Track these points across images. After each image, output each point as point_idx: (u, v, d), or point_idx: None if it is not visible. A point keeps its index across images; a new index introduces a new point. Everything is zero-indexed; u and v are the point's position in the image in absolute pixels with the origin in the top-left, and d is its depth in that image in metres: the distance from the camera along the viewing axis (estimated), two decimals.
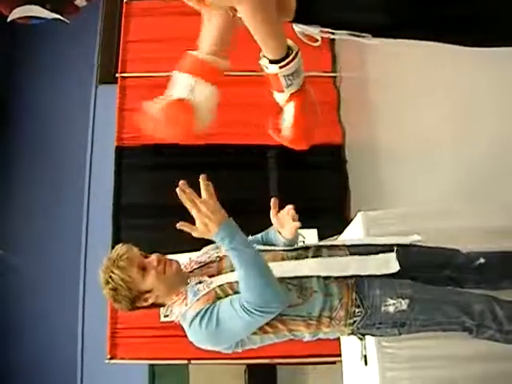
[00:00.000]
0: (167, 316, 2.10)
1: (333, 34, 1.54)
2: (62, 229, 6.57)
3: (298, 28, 1.58)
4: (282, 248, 2.17)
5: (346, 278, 2.04)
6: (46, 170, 6.70)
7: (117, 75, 6.16)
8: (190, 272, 2.14)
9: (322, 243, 2.27)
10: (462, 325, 2.03)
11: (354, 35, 1.50)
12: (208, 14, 1.59)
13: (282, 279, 1.97)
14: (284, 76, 1.48)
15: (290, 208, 2.16)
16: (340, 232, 3.16)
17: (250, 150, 5.92)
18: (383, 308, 2.01)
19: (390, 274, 2.08)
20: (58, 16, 1.52)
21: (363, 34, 1.49)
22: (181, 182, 1.79)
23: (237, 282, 1.94)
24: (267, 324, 1.96)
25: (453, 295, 2.09)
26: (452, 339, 2.30)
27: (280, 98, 1.57)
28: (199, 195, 1.81)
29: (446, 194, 3.62)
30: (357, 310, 2.01)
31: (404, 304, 2.00)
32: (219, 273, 2.07)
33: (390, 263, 2.10)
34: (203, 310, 1.93)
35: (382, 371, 2.40)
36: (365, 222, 2.66)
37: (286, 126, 1.63)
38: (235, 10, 1.44)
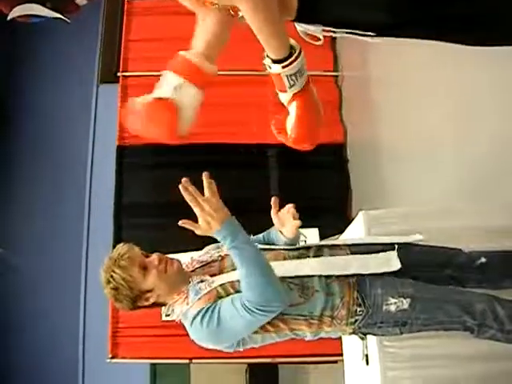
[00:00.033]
0: (168, 315, 2.10)
1: (334, 32, 1.54)
2: (63, 228, 6.57)
3: (299, 27, 1.57)
4: (283, 247, 2.17)
5: (347, 276, 2.04)
6: (47, 169, 6.70)
7: (118, 74, 6.16)
8: (192, 271, 2.14)
9: (323, 243, 2.27)
10: (463, 324, 2.03)
11: (356, 34, 1.50)
12: (203, 14, 1.59)
13: (283, 278, 1.97)
14: (287, 76, 1.48)
15: (290, 206, 2.16)
16: (341, 231, 3.16)
17: (250, 149, 5.92)
18: (385, 307, 2.01)
19: (391, 273, 2.08)
20: (58, 15, 1.51)
21: (365, 33, 1.49)
22: (183, 180, 1.79)
23: (238, 281, 1.94)
24: (269, 323, 1.96)
25: (454, 294, 2.08)
26: (453, 339, 2.30)
27: (283, 97, 1.57)
28: (202, 193, 1.81)
29: (447, 193, 3.62)
30: (358, 309, 2.01)
31: (405, 303, 2.00)
32: (221, 272, 2.07)
33: (391, 261, 2.10)
34: (204, 309, 1.93)
35: (383, 370, 2.40)
36: (366, 222, 2.66)
37: (289, 126, 1.62)
38: (238, 10, 1.44)
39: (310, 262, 2.07)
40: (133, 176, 5.97)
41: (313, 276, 2.03)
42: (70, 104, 6.70)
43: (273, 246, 2.19)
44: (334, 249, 2.16)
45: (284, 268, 2.02)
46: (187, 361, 5.39)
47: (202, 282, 2.03)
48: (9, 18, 1.48)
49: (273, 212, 2.17)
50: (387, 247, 2.15)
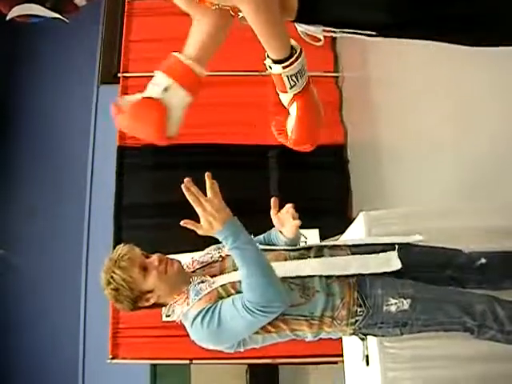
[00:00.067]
0: (169, 316, 2.10)
1: (335, 32, 1.54)
2: (64, 229, 6.57)
3: (300, 28, 1.57)
4: (284, 248, 2.17)
5: (347, 277, 2.04)
6: (47, 169, 6.71)
7: (119, 75, 6.16)
8: (193, 272, 2.14)
9: (323, 243, 2.27)
10: (463, 325, 2.03)
11: (357, 33, 1.50)
12: (198, 16, 1.59)
13: (284, 279, 1.97)
14: (287, 76, 1.48)
15: (289, 206, 2.16)
16: (342, 232, 3.16)
17: (251, 150, 5.92)
18: (385, 307, 2.01)
19: (391, 274, 2.08)
20: (57, 15, 1.51)
21: (366, 32, 1.49)
22: (186, 180, 1.79)
23: (239, 282, 1.94)
24: (270, 324, 1.96)
25: (454, 295, 2.08)
26: (454, 339, 2.29)
27: (284, 98, 1.57)
28: (204, 193, 1.81)
29: (447, 194, 3.62)
30: (359, 310, 2.01)
31: (406, 304, 2.00)
32: (221, 272, 2.07)
33: (391, 261, 2.10)
34: (205, 309, 1.94)
35: (383, 371, 2.40)
36: (367, 222, 2.66)
37: (289, 127, 1.63)
38: (238, 10, 1.44)
39: (310, 262, 2.07)
40: (133, 177, 5.97)
41: (313, 276, 2.03)
42: (70, 104, 6.70)
43: (273, 247, 2.19)
44: (335, 249, 2.16)
45: (285, 268, 2.02)
46: (187, 361, 5.39)
47: (202, 282, 2.03)
48: (8, 17, 1.48)
49: (272, 212, 2.17)
50: (387, 247, 2.16)
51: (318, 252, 2.13)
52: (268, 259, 1.95)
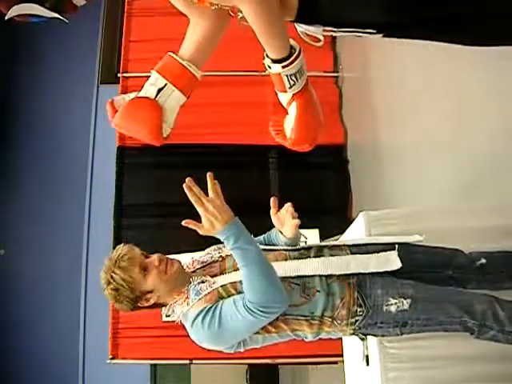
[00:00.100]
0: (169, 316, 2.10)
1: (335, 32, 1.54)
2: (64, 229, 6.58)
3: (299, 28, 1.57)
4: (284, 248, 2.17)
5: (348, 277, 2.04)
6: (47, 170, 6.71)
7: (118, 75, 6.16)
8: (193, 272, 2.14)
9: (323, 243, 2.27)
10: (463, 325, 2.03)
11: (357, 33, 1.50)
12: (195, 17, 1.59)
13: (284, 278, 1.97)
14: (287, 76, 1.48)
15: (288, 205, 2.16)
16: (342, 232, 3.16)
17: (251, 150, 5.92)
18: (385, 307, 2.01)
19: (391, 274, 2.08)
20: (56, 15, 1.52)
21: (366, 31, 1.49)
22: (188, 179, 1.79)
23: (240, 282, 1.94)
24: (270, 324, 1.96)
25: (454, 295, 2.08)
26: (454, 339, 2.29)
27: (283, 98, 1.57)
28: (205, 193, 1.81)
29: (447, 194, 3.62)
30: (358, 310, 2.01)
31: (406, 304, 2.00)
32: (222, 273, 2.07)
33: (391, 261, 2.10)
34: (205, 309, 1.93)
35: (383, 371, 2.40)
36: (366, 222, 2.66)
37: (287, 127, 1.62)
38: (237, 11, 1.44)
39: (310, 262, 2.07)
40: (133, 177, 5.97)
41: (314, 276, 2.03)
42: (70, 105, 6.72)
43: (273, 247, 2.19)
44: (335, 249, 2.16)
45: (285, 268, 2.02)
46: (187, 361, 5.39)
47: (202, 282, 2.03)
48: (7, 17, 1.49)
49: (272, 212, 2.17)
50: (387, 247, 2.15)
51: (318, 252, 2.13)
52: (268, 259, 1.95)
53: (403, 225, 2.57)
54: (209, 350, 2.07)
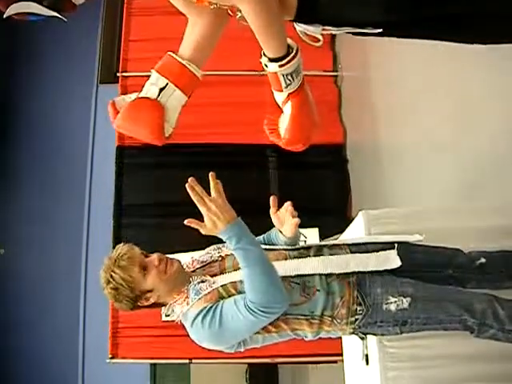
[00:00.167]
0: (169, 315, 2.10)
1: (334, 30, 1.54)
2: (64, 228, 6.58)
3: (299, 27, 1.57)
4: (284, 247, 2.17)
5: (347, 276, 2.04)
6: (46, 169, 6.71)
7: (118, 74, 6.16)
8: (192, 271, 2.14)
9: (323, 243, 2.27)
10: (463, 323, 2.03)
11: (356, 32, 1.50)
12: (194, 16, 1.59)
13: (284, 278, 1.97)
14: (283, 75, 1.48)
15: (288, 204, 2.16)
16: (341, 231, 3.16)
17: (250, 150, 5.92)
18: (385, 306, 2.01)
19: (391, 273, 2.08)
20: (55, 13, 1.52)
21: (365, 31, 1.48)
22: (190, 179, 1.79)
23: (240, 282, 1.94)
24: (271, 323, 1.96)
25: (454, 294, 2.08)
26: (454, 338, 2.29)
27: (279, 97, 1.57)
28: (207, 192, 1.81)
29: (447, 193, 3.62)
30: (358, 308, 2.01)
31: (405, 302, 2.00)
32: (221, 272, 2.06)
33: (390, 259, 2.10)
34: (206, 309, 1.93)
35: (383, 371, 2.40)
36: (366, 221, 2.65)
37: (282, 127, 1.62)
38: (236, 10, 1.44)
39: (310, 261, 2.07)
40: (132, 176, 5.97)
41: (314, 275, 2.03)
42: (69, 104, 6.71)
43: (273, 247, 2.19)
44: (334, 248, 2.16)
45: (285, 267, 2.02)
46: (187, 361, 5.39)
47: (202, 282, 2.02)
48: (5, 15, 1.49)
49: (272, 211, 2.17)
50: (387, 246, 2.16)
51: (318, 251, 2.13)
52: (269, 259, 1.95)
53: (403, 224, 2.56)
54: (209, 350, 2.07)
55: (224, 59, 5.14)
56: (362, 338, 2.33)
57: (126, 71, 6.15)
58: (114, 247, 2.10)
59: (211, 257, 2.17)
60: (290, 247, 2.16)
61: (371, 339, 2.41)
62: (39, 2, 1.47)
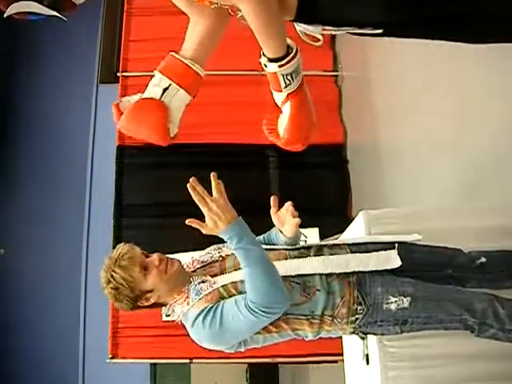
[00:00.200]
0: (169, 315, 2.10)
1: (334, 30, 1.54)
2: (64, 228, 6.58)
3: (299, 27, 1.57)
4: (284, 247, 2.17)
5: (348, 275, 2.05)
6: (47, 169, 6.71)
7: (118, 74, 6.16)
8: (193, 271, 2.14)
9: (323, 242, 2.27)
10: (463, 323, 2.03)
11: (356, 32, 1.50)
12: (195, 16, 1.59)
13: (285, 278, 1.97)
14: (282, 75, 1.48)
15: (288, 204, 2.16)
16: (342, 231, 3.16)
17: (251, 150, 5.92)
18: (385, 305, 2.01)
19: (391, 272, 2.08)
20: (55, 13, 1.52)
21: (365, 31, 1.49)
22: (192, 179, 1.79)
23: (241, 282, 1.94)
24: (271, 323, 1.96)
25: (454, 293, 2.09)
26: (454, 338, 2.29)
27: (278, 97, 1.57)
28: (208, 192, 1.81)
29: (447, 193, 3.62)
30: (359, 308, 2.01)
31: (406, 302, 2.01)
32: (222, 272, 2.07)
33: (391, 259, 2.10)
34: (206, 309, 1.93)
35: (383, 370, 2.40)
36: (366, 221, 2.66)
37: (281, 126, 1.63)
38: (237, 9, 1.44)
39: (311, 260, 2.07)
40: (133, 176, 5.97)
41: (314, 275, 2.03)
42: (70, 104, 6.71)
43: (274, 246, 2.19)
44: (335, 248, 2.16)
45: (285, 267, 2.02)
46: (187, 361, 5.39)
47: (203, 282, 2.02)
48: (6, 15, 1.49)
49: (272, 211, 2.17)
50: (387, 246, 2.16)
51: (318, 251, 2.13)
52: (269, 259, 1.95)
53: (403, 224, 2.57)
54: (209, 350, 2.07)
55: (224, 59, 5.14)
56: (363, 338, 2.33)
57: (126, 71, 6.15)
58: (114, 247, 2.10)
59: (212, 257, 2.17)
60: (290, 247, 2.16)
61: (371, 339, 2.41)
62: (39, 1, 1.48)
